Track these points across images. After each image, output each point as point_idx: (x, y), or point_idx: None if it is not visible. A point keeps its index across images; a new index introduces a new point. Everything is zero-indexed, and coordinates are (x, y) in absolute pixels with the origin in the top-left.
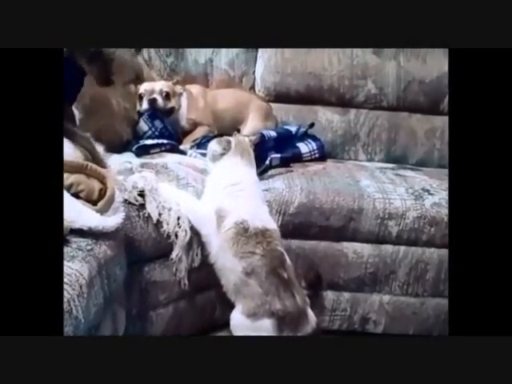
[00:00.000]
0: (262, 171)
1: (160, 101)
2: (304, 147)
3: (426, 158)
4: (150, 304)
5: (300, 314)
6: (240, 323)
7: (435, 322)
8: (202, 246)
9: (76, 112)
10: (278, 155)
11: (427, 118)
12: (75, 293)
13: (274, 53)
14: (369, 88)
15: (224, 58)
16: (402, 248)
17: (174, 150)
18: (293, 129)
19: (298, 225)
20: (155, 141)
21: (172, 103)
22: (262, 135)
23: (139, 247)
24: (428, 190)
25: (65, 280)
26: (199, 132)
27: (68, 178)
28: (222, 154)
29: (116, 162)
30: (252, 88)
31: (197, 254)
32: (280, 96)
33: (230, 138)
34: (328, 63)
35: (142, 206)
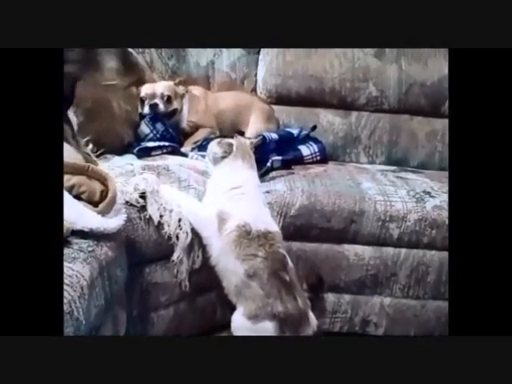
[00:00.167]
0: (264, 173)
1: (161, 106)
2: (305, 150)
3: (427, 161)
4: (150, 305)
5: (301, 317)
6: (241, 325)
7: (436, 324)
8: (203, 247)
9: (74, 117)
10: (280, 157)
11: (428, 120)
12: (76, 294)
13: (275, 55)
14: (370, 90)
15: (226, 60)
16: (403, 250)
17: (176, 152)
18: (294, 131)
19: (299, 227)
20: (156, 143)
21: (174, 105)
22: (263, 137)
23: (140, 249)
24: (429, 193)
25: (66, 281)
26: (200, 134)
27: (70, 180)
28: (224, 157)
29: (117, 164)
30: (253, 90)
31: (198, 256)
32: (281, 98)
33: (232, 141)
34: (329, 66)
35: (144, 208)
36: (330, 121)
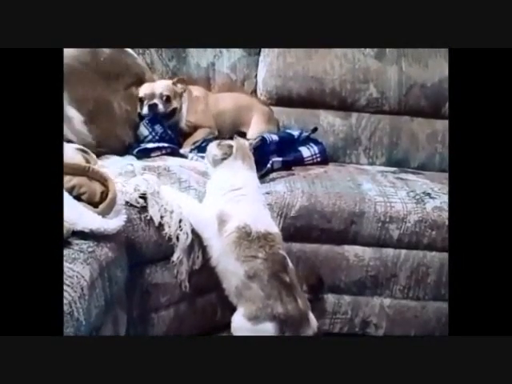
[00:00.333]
0: (264, 174)
1: (160, 106)
2: (306, 151)
3: (427, 162)
4: (151, 306)
5: (302, 318)
6: (241, 326)
7: (436, 325)
8: (203, 248)
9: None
10: (280, 159)
11: (429, 121)
12: (77, 295)
13: (275, 57)
14: (370, 92)
15: (226, 61)
16: (403, 251)
17: (175, 153)
18: (295, 133)
19: (299, 228)
20: (156, 144)
21: (173, 105)
22: (263, 138)
23: (140, 249)
24: (429, 194)
25: (66, 282)
26: (199, 134)
27: (70, 181)
28: (223, 159)
29: (118, 164)
30: (254, 92)
31: (198, 257)
32: (282, 99)
33: (232, 142)
34: (330, 67)
35: (144, 209)
36: (330, 122)
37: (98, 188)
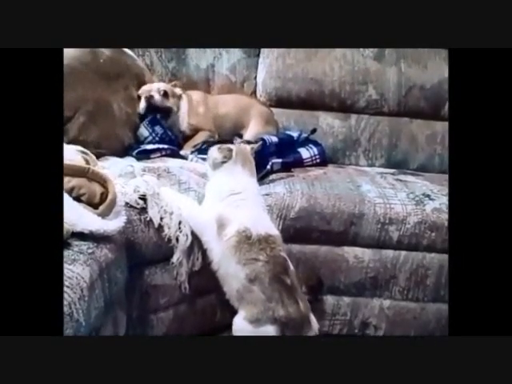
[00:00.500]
0: (263, 176)
1: (157, 97)
2: (305, 152)
3: (426, 164)
4: (150, 308)
5: (303, 321)
6: (242, 329)
7: (436, 326)
8: (203, 250)
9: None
10: (279, 160)
11: (428, 123)
12: (76, 296)
13: (275, 58)
14: (370, 93)
15: (225, 63)
16: (403, 253)
17: (175, 154)
18: (294, 134)
19: (299, 229)
20: (156, 146)
21: (170, 103)
22: (264, 141)
23: (140, 251)
24: (429, 195)
25: (66, 283)
26: (200, 137)
27: (69, 182)
28: (223, 162)
29: (118, 166)
30: (253, 93)
31: (197, 258)
32: (281, 101)
33: (231, 146)
34: (329, 69)
35: (144, 210)
36: (329, 123)
37: (97, 189)
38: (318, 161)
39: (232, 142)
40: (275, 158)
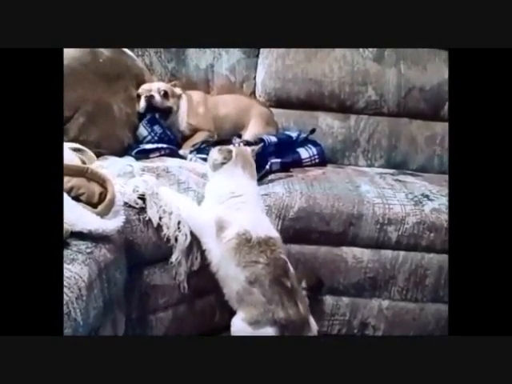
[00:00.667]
0: (262, 176)
1: (157, 98)
2: (304, 152)
3: (426, 165)
4: (149, 308)
5: (303, 323)
6: (241, 330)
7: (435, 327)
8: (202, 250)
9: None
10: (278, 160)
11: (427, 124)
12: (74, 295)
13: (274, 59)
14: (369, 94)
15: (225, 63)
16: (402, 253)
17: (174, 154)
18: (293, 134)
19: (298, 230)
20: (154, 145)
21: (170, 103)
22: (263, 141)
23: (139, 251)
24: (428, 196)
25: (64, 283)
26: (199, 137)
27: (68, 182)
28: (223, 163)
29: (117, 165)
30: (253, 93)
31: (196, 258)
32: (281, 102)
33: (231, 148)
34: (329, 69)
35: (143, 210)
36: (329, 124)
37: (96, 189)
38: (317, 161)
39: (231, 142)
40: (274, 158)
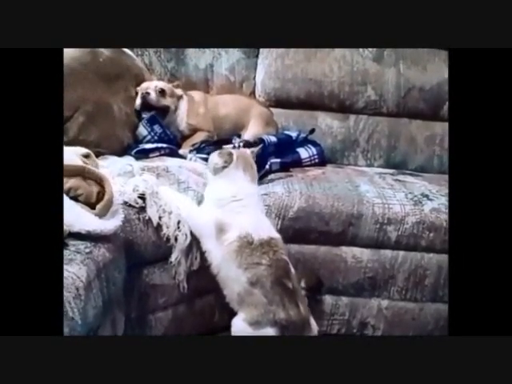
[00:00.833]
0: (262, 176)
1: (153, 95)
2: (304, 152)
3: (425, 165)
4: (149, 307)
5: (303, 323)
6: (241, 330)
7: (434, 327)
8: (202, 250)
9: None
10: (278, 160)
11: (427, 124)
12: (71, 295)
13: (274, 59)
14: (369, 94)
15: (225, 63)
16: (401, 253)
17: (173, 154)
18: (293, 134)
19: (298, 229)
20: (154, 145)
21: (167, 101)
22: (263, 141)
23: (139, 250)
24: (427, 196)
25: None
26: (198, 137)
27: (66, 183)
28: (224, 167)
29: (117, 165)
30: (252, 93)
31: (196, 258)
32: (280, 101)
33: (232, 151)
34: (328, 69)
35: (142, 210)
36: (328, 124)
37: (94, 189)
38: (316, 161)
39: (231, 142)
40: (274, 158)
